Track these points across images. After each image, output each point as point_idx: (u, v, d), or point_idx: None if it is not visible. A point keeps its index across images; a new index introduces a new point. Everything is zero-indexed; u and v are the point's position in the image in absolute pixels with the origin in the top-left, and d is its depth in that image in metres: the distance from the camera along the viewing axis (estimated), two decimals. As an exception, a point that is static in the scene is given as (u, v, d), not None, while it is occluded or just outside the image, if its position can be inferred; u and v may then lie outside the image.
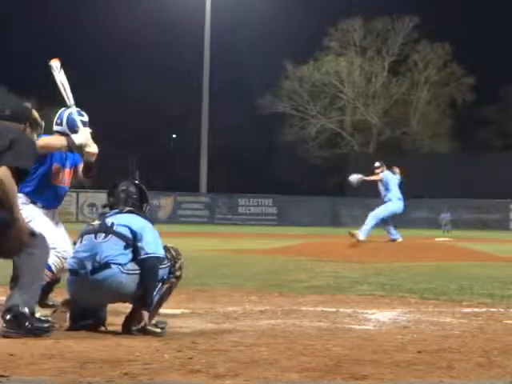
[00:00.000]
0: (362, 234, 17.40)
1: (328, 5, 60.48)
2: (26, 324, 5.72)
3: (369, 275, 11.72)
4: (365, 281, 10.71)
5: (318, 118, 61.98)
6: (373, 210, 17.97)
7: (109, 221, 6.31)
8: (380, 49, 61.70)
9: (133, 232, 6.22)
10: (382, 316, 7.28)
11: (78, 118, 7.64)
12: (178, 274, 6.32)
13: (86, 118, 7.78)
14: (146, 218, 6.43)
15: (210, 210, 47.29)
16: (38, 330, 5.76)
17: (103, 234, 6.22)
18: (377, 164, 18.63)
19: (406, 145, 61.39)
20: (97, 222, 6.36)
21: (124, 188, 6.55)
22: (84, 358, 4.93)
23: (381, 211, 17.87)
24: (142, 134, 64.69)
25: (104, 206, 6.62)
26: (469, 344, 5.79)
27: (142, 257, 6.13)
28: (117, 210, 6.42)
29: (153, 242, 6.21)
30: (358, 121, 62.47)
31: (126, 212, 6.39)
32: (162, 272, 6.23)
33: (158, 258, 6.18)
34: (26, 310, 5.74)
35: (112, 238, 6.19)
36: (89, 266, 6.13)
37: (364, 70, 61.77)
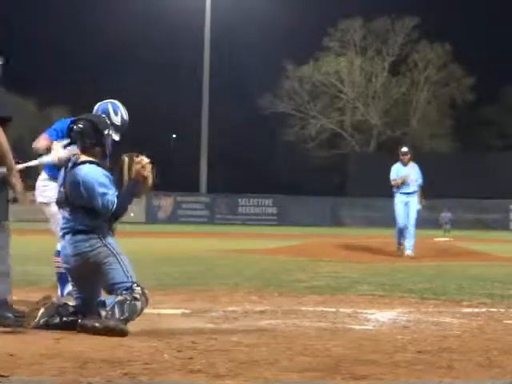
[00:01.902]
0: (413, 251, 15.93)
1: (328, 5, 60.51)
2: None
3: (369, 275, 11.71)
4: (365, 281, 10.70)
5: (318, 118, 61.99)
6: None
7: (63, 191, 6.36)
8: (380, 49, 61.70)
9: (84, 198, 6.28)
10: (381, 316, 7.27)
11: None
12: (136, 294, 6.13)
13: (117, 120, 7.82)
14: (96, 165, 6.38)
15: (210, 210, 47.28)
16: (3, 319, 5.75)
17: (67, 208, 6.37)
18: (406, 149, 16.55)
19: (406, 145, 61.36)
20: (59, 190, 6.42)
21: (79, 129, 6.49)
22: (84, 358, 4.93)
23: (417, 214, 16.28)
24: (141, 133, 64.68)
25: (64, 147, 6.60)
26: (469, 344, 5.78)
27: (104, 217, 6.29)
28: (72, 164, 6.39)
29: (100, 197, 6.23)
30: (358, 121, 62.47)
31: (79, 164, 6.37)
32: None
33: (111, 208, 6.23)
34: None
35: (74, 211, 6.33)
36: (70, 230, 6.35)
37: (364, 69, 61.78)
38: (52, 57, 66.96)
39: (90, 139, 6.42)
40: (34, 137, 8.09)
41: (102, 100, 8.15)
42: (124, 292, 6.10)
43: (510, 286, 10.13)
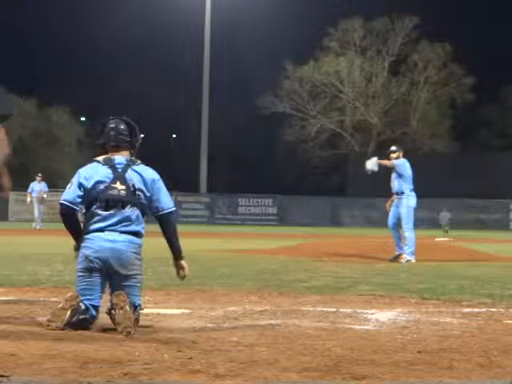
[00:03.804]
0: (409, 256, 15.17)
1: (328, 5, 60.55)
2: None
3: (369, 275, 11.71)
4: (365, 281, 10.70)
5: (317, 118, 62.01)
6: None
7: (130, 184, 6.38)
8: (380, 49, 61.74)
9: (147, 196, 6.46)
10: (382, 316, 7.27)
11: None
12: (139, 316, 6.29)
13: None
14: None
15: (210, 210, 47.27)
16: None
17: (128, 206, 6.36)
18: (393, 148, 16.07)
19: (406, 145, 61.41)
20: (121, 186, 6.35)
21: (113, 126, 6.54)
22: (84, 358, 4.93)
23: (407, 217, 15.50)
24: (141, 133, 64.70)
25: (99, 145, 6.60)
26: (469, 344, 5.78)
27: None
28: (126, 163, 6.43)
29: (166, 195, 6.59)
30: (358, 121, 62.51)
31: (137, 165, 6.47)
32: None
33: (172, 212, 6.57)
34: None
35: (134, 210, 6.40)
36: None
37: (364, 70, 61.81)
38: (52, 57, 66.94)
39: (135, 139, 6.58)
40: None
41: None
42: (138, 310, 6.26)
43: (510, 286, 10.13)
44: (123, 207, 6.32)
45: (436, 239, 25.43)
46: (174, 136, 77.09)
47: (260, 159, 66.90)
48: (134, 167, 6.43)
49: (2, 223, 37.08)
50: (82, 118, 62.77)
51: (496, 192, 44.82)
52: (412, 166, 16.08)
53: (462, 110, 61.41)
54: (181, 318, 7.02)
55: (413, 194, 15.75)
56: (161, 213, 6.43)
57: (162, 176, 6.57)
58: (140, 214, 6.39)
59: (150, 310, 7.22)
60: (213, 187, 52.02)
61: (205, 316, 7.12)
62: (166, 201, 6.47)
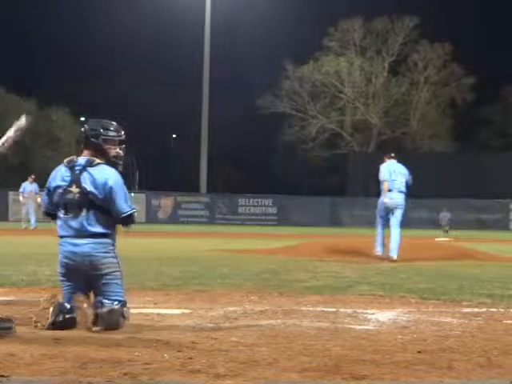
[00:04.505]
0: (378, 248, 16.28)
1: (328, 5, 60.55)
2: None
3: (369, 275, 11.71)
4: (365, 281, 10.70)
5: (317, 118, 61.96)
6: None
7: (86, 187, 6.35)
8: (380, 49, 61.68)
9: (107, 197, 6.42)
10: (382, 316, 7.27)
11: None
12: (125, 313, 6.36)
13: None
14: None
15: (210, 210, 47.22)
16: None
17: (84, 209, 6.37)
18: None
19: (406, 145, 61.42)
20: (76, 189, 6.37)
21: (83, 127, 6.64)
22: (84, 358, 4.93)
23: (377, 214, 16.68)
24: (141, 133, 64.78)
25: None
26: (469, 344, 5.78)
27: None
28: (83, 165, 6.42)
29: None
30: (358, 121, 62.44)
31: (93, 166, 6.42)
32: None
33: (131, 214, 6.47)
34: None
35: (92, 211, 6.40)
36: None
37: (364, 70, 61.76)
38: (52, 57, 66.94)
39: (95, 140, 6.53)
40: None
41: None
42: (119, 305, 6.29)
43: (510, 286, 10.13)
44: (81, 210, 6.34)
45: (436, 239, 25.41)
46: (174, 136, 77.08)
47: (260, 159, 66.89)
48: (90, 169, 6.39)
49: (2, 223, 37.06)
50: (82, 118, 62.80)
51: (496, 192, 44.79)
52: (410, 166, 16.40)
53: (462, 110, 61.37)
54: (181, 318, 7.02)
55: (386, 194, 16.16)
56: (115, 217, 6.40)
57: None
58: (100, 215, 6.36)
59: (150, 310, 7.22)
60: (213, 187, 52.00)
61: (205, 316, 7.12)
62: (119, 205, 6.38)
